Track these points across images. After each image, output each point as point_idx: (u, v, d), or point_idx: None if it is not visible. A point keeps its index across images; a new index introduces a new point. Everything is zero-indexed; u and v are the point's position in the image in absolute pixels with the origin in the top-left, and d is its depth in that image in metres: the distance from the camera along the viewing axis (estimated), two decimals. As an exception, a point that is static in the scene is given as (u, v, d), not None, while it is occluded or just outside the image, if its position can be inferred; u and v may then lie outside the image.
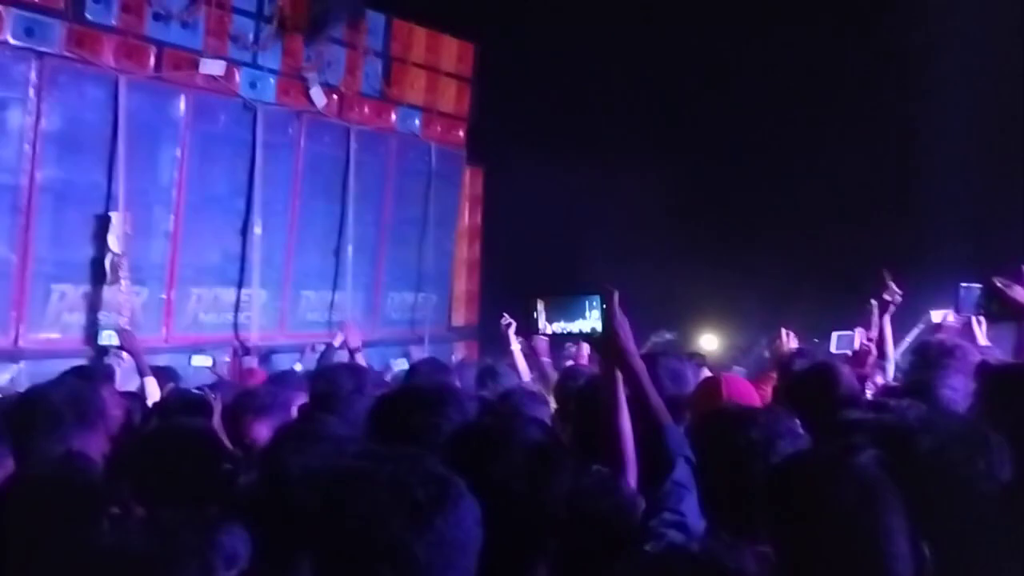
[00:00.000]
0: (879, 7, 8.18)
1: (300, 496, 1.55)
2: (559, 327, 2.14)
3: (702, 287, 8.77)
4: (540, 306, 2.14)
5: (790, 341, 4.72)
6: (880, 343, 4.10)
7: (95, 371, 4.23)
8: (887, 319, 4.13)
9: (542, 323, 2.13)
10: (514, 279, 9.43)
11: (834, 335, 4.75)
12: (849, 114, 8.47)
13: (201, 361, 5.94)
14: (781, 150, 8.92)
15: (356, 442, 1.96)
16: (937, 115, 7.59)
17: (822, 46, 8.35)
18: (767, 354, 7.01)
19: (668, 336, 8.22)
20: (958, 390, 2.99)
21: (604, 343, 2.09)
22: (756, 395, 3.07)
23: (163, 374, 4.68)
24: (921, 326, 5.32)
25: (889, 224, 8.16)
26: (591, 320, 2.07)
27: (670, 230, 9.25)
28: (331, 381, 3.50)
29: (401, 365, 6.88)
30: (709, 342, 8.60)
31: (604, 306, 2.06)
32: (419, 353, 7.99)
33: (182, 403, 3.28)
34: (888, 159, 8.21)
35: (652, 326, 8.56)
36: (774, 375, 3.93)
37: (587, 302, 2.08)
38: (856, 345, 4.46)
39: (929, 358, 3.18)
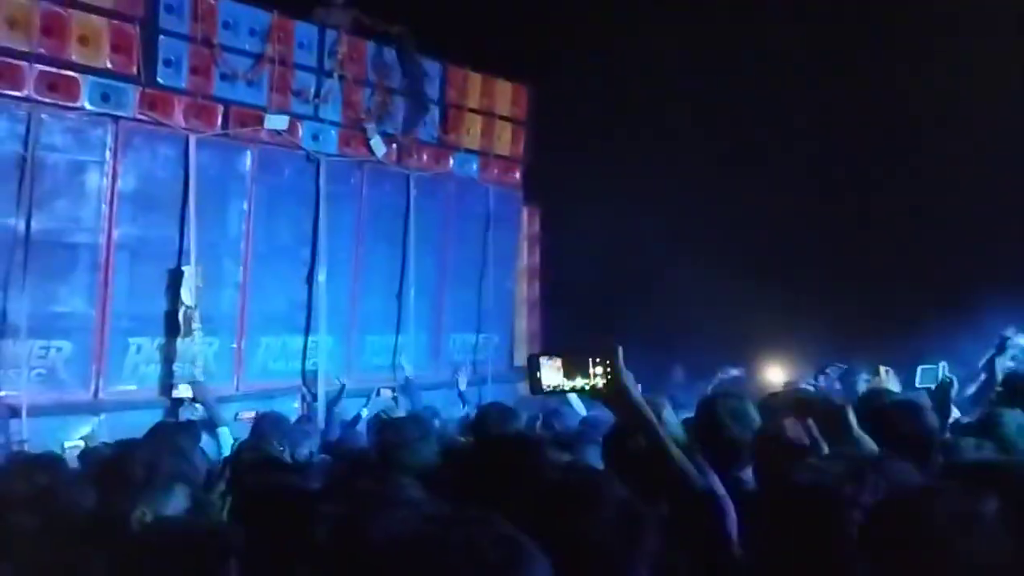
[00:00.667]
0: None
1: (377, 563, 1.60)
2: (566, 384, 2.19)
3: (766, 321, 8.68)
4: (544, 364, 2.19)
5: (890, 379, 4.63)
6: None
7: (182, 428, 4.35)
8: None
9: (545, 382, 2.19)
10: (575, 316, 9.49)
11: (919, 369, 4.65)
12: (921, 141, 8.32)
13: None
14: (847, 179, 8.84)
15: (430, 503, 2.01)
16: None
17: (896, 75, 8.26)
18: (838, 386, 6.89)
19: (734, 372, 8.12)
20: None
21: (613, 399, 2.15)
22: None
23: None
24: (993, 351, 5.17)
25: (956, 248, 7.99)
26: (594, 378, 2.15)
27: (731, 263, 9.18)
28: (398, 430, 3.57)
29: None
30: (776, 375, 8.46)
31: (608, 363, 2.13)
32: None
33: (259, 459, 3.39)
34: (954, 188, 8.03)
35: (717, 362, 8.50)
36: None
37: (591, 360, 2.16)
38: (939, 378, 4.37)
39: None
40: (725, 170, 9.11)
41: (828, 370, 7.93)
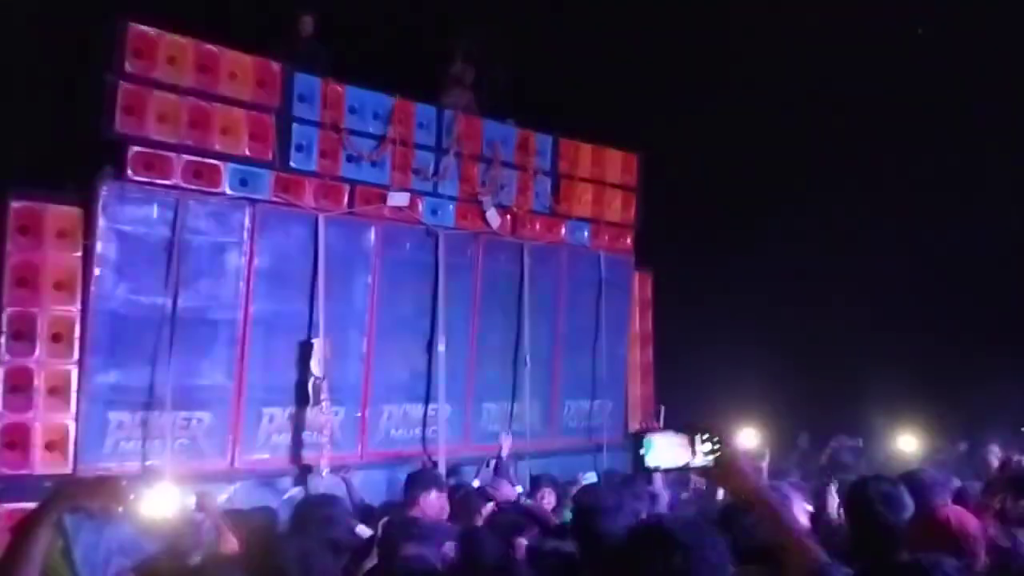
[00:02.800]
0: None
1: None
2: (673, 462, 2.19)
3: (886, 385, 8.43)
4: (651, 441, 2.19)
5: None
6: None
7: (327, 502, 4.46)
8: None
9: (650, 460, 2.19)
10: (687, 381, 9.42)
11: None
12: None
13: None
14: (963, 231, 8.60)
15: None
16: None
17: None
18: (993, 459, 6.55)
19: (849, 443, 7.89)
20: None
21: (726, 478, 2.14)
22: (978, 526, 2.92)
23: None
24: None
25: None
26: (702, 455, 2.14)
27: (847, 325, 8.99)
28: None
29: (590, 478, 6.98)
30: (907, 444, 8.15)
31: (717, 440, 2.12)
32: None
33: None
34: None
35: (832, 431, 8.28)
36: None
37: (698, 436, 2.15)
38: None
39: None
40: (839, 229, 8.98)
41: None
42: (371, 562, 3.47)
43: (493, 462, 7.60)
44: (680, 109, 9.04)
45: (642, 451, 2.20)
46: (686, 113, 9.06)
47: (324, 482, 6.53)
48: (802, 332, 8.87)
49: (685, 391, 9.14)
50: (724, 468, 2.15)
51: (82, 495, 1.70)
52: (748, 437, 7.22)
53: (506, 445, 7.33)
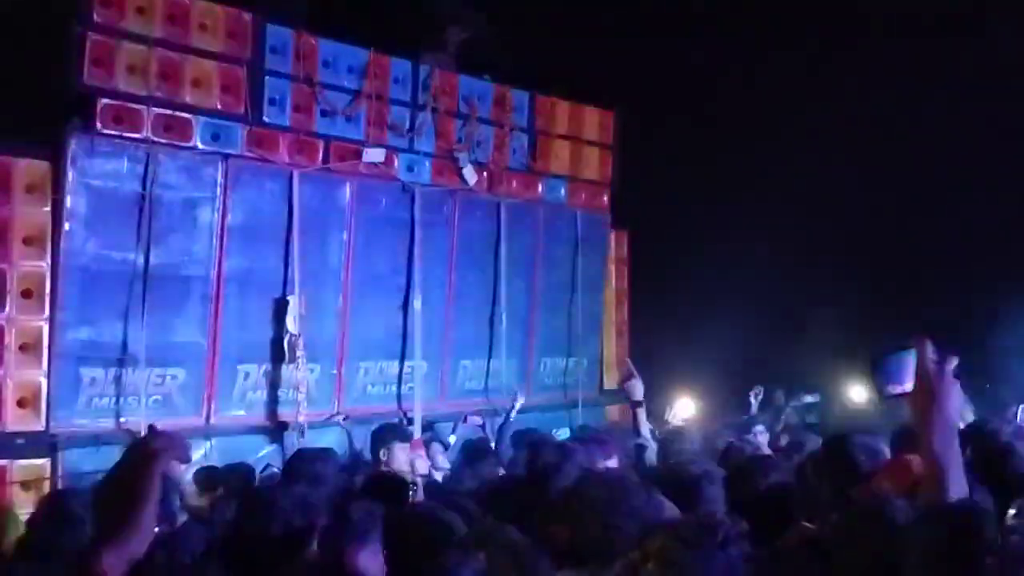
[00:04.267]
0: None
1: None
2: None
3: (841, 343, 8.57)
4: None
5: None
6: None
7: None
8: None
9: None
10: (662, 340, 9.49)
11: (1020, 408, 4.56)
12: None
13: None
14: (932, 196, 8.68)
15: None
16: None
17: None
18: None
19: (808, 399, 8.03)
20: None
21: (921, 399, 1.92)
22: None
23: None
24: None
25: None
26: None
27: (813, 282, 9.08)
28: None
29: (563, 434, 7.05)
30: (859, 395, 8.29)
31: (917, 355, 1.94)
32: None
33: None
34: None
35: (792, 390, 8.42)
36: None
37: (907, 356, 1.99)
38: None
39: None
40: (818, 188, 9.02)
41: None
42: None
43: (474, 418, 7.66)
44: (656, 64, 8.97)
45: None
46: (662, 68, 8.99)
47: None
48: (777, 286, 8.94)
49: (661, 348, 9.21)
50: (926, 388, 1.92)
51: (176, 448, 1.69)
52: (685, 407, 7.39)
53: (518, 403, 7.36)
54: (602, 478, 2.66)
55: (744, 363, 8.96)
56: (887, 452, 3.00)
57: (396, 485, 3.53)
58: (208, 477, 4.93)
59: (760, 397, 7.83)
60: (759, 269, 8.99)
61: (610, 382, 9.47)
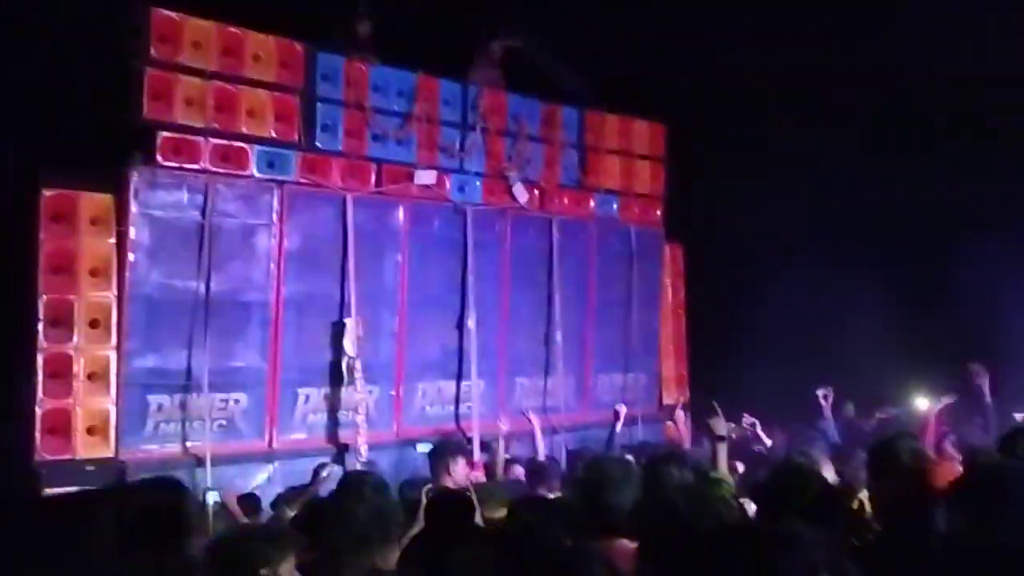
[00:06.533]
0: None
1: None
2: None
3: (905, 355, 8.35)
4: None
5: None
6: None
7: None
8: None
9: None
10: (722, 354, 9.35)
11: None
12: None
13: (424, 448, 6.31)
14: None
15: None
16: None
17: None
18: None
19: (894, 412, 7.80)
20: None
21: None
22: None
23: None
24: None
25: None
26: None
27: (873, 294, 8.86)
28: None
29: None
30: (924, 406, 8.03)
31: None
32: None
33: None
34: None
35: (876, 403, 8.19)
36: None
37: None
38: None
39: None
40: (875, 199, 8.85)
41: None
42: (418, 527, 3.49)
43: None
44: (709, 78, 8.91)
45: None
46: (711, 81, 8.92)
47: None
48: (834, 298, 8.75)
49: (719, 363, 9.07)
50: None
51: None
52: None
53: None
54: None
55: (804, 376, 8.76)
56: None
57: (462, 501, 3.51)
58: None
59: (831, 399, 7.60)
60: (814, 282, 8.81)
61: (668, 397, 9.36)
